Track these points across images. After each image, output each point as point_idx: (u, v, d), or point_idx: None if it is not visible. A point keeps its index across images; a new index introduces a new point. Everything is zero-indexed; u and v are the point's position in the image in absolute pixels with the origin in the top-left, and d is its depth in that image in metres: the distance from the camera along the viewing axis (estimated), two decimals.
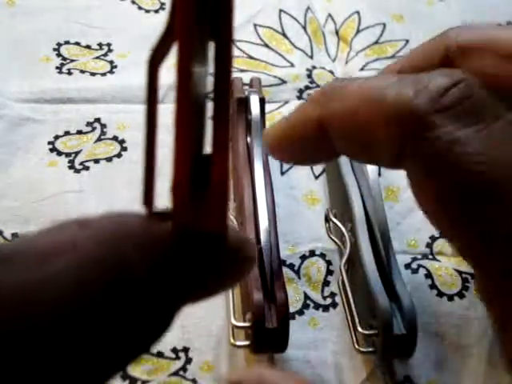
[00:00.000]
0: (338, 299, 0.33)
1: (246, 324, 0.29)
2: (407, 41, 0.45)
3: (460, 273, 0.35)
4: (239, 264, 0.17)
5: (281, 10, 0.46)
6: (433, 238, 0.36)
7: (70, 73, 0.42)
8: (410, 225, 0.36)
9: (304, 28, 0.45)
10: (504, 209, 0.17)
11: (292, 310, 0.33)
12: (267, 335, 0.28)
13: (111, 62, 0.43)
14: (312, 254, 0.35)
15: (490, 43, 0.25)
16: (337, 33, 0.45)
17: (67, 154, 0.39)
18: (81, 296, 0.13)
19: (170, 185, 0.14)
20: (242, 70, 0.43)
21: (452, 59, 0.25)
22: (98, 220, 0.15)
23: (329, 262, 0.35)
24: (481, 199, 0.17)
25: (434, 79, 0.18)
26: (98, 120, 0.40)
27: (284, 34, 0.45)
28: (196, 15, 0.13)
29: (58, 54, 0.43)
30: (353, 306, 0.31)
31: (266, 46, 0.44)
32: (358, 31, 0.46)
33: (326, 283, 0.34)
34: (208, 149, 0.15)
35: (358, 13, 0.46)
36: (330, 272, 0.35)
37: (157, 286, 0.14)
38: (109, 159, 0.39)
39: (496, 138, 0.17)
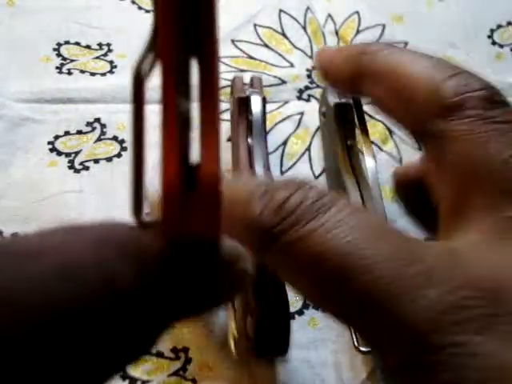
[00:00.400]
0: None
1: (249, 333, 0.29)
2: (406, 43, 0.45)
3: None
4: (232, 277, 0.16)
5: (281, 10, 0.46)
6: (429, 239, 0.36)
7: (69, 73, 0.42)
8: (408, 224, 0.36)
9: (304, 28, 0.45)
10: None
11: (292, 310, 0.33)
12: (269, 341, 0.28)
13: (111, 62, 0.43)
14: None
15: (393, 73, 0.24)
16: (336, 33, 0.45)
17: (67, 154, 0.39)
18: (66, 297, 0.13)
19: (160, 186, 0.14)
20: (242, 70, 0.43)
21: (360, 79, 0.26)
22: (85, 227, 0.15)
23: None
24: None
25: (276, 193, 0.20)
26: (97, 120, 0.40)
27: (284, 34, 0.45)
28: (178, 31, 0.14)
29: (58, 54, 0.43)
30: None
31: (266, 46, 0.44)
32: (358, 31, 0.46)
33: None
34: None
35: (357, 13, 0.46)
36: None
37: (141, 295, 0.14)
38: (109, 159, 0.39)
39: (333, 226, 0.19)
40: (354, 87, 0.26)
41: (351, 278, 0.18)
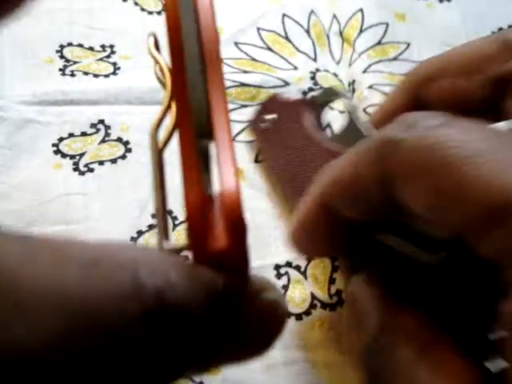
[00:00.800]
0: (344, 296, 0.34)
1: None
2: (408, 44, 0.45)
3: None
4: (262, 309, 0.15)
5: (284, 15, 0.46)
6: None
7: (73, 74, 0.42)
8: None
9: (307, 32, 0.45)
10: None
11: (299, 310, 0.33)
12: None
13: (114, 64, 0.43)
14: None
15: (442, 67, 0.28)
16: (341, 34, 0.45)
17: (72, 156, 0.38)
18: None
19: (186, 217, 0.15)
20: (245, 72, 0.43)
21: (420, 93, 0.29)
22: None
23: (334, 257, 0.35)
24: None
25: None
26: (101, 121, 0.40)
27: (287, 38, 0.45)
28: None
29: (61, 56, 0.43)
30: None
31: (269, 49, 0.44)
32: (361, 31, 0.46)
33: (332, 281, 0.34)
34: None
35: (361, 11, 0.46)
36: (335, 269, 0.35)
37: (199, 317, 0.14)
38: (113, 161, 0.39)
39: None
40: (419, 101, 0.29)
41: (472, 186, 0.17)
